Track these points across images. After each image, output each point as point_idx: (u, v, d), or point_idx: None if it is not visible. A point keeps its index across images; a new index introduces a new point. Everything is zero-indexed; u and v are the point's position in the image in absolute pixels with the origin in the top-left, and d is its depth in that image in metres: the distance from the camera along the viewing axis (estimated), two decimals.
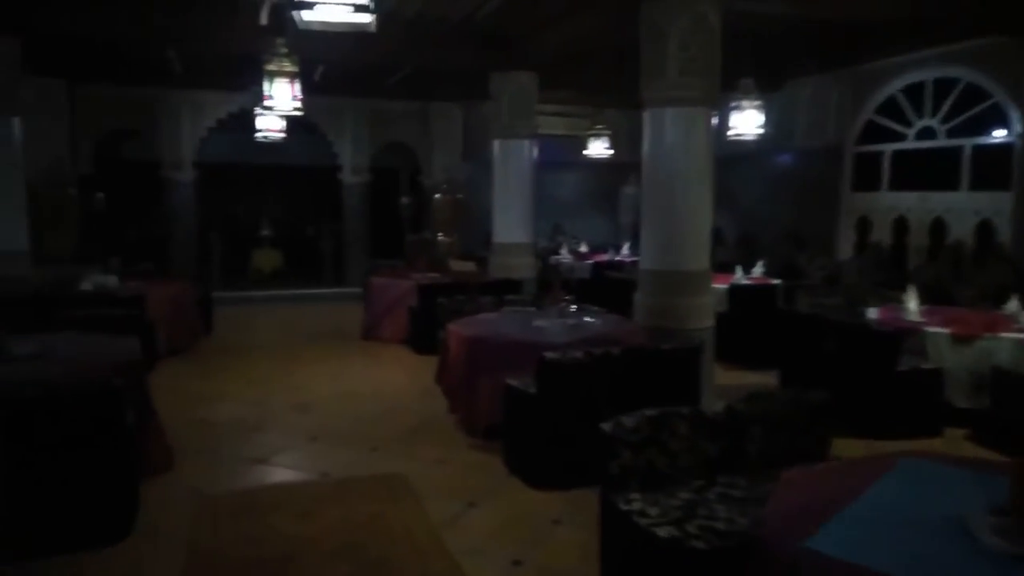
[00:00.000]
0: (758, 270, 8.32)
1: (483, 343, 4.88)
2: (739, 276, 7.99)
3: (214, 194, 12.31)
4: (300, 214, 13.71)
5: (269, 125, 9.48)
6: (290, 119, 9.50)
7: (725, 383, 5.74)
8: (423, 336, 7.36)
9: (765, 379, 6.02)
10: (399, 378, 6.70)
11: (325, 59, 8.86)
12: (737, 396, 3.18)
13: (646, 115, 5.40)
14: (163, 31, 7.73)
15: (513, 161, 8.73)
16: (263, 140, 9.75)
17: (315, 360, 7.38)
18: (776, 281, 8.00)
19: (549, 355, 4.03)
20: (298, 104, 6.09)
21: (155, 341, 6.97)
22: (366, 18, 3.53)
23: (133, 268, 8.74)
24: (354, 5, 3.42)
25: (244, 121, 10.43)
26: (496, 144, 8.78)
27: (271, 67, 5.93)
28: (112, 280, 7.32)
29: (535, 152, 8.91)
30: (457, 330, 5.17)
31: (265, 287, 11.97)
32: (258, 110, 9.13)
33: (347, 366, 7.17)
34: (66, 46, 9.45)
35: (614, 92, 11.34)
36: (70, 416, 3.19)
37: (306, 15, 3.44)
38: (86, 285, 7.08)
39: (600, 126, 12.18)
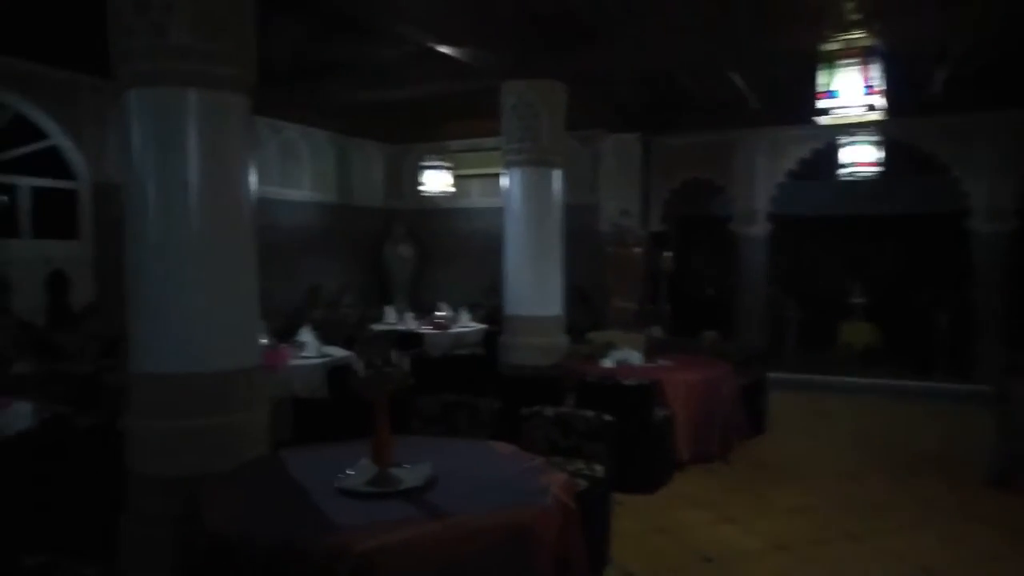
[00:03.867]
0: None
1: None
2: None
3: (791, 252, 10.29)
4: (906, 278, 10.51)
5: (857, 157, 7.01)
6: (899, 150, 6.90)
7: None
8: None
9: None
10: None
11: (937, 40, 5.93)
12: None
13: None
14: (715, 51, 6.23)
15: None
16: (849, 178, 7.30)
17: (894, 526, 4.46)
18: None
19: None
20: (877, 100, 3.63)
21: (671, 446, 5.34)
22: None
23: (678, 340, 7.41)
24: None
25: (831, 160, 8.16)
26: None
27: (831, 47, 3.65)
28: (635, 357, 6.02)
29: None
30: None
31: (852, 371, 9.25)
32: (841, 138, 6.82)
33: (952, 558, 4.08)
34: (639, 97, 8.93)
35: None
36: None
37: None
38: (607, 362, 5.94)
39: None
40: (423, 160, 9.14)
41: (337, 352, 6.76)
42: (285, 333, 7.07)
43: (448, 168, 9.11)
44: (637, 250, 9.47)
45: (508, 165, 6.43)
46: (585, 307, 9.31)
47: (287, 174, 9.90)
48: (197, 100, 3.02)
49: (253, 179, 3.26)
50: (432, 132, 10.16)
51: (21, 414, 4.37)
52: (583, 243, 9.13)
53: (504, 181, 6.51)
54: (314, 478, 2.87)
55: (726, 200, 9.84)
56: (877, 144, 7.00)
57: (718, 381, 5.89)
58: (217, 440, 3.03)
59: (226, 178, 3.12)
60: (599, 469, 3.63)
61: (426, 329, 8.46)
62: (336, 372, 5.85)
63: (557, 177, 6.41)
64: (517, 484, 2.88)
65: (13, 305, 6.52)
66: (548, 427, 3.87)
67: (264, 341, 6.38)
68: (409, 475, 2.85)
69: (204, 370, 3.01)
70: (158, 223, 3.00)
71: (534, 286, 6.42)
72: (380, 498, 2.69)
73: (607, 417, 3.77)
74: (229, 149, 3.14)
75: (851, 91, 3.61)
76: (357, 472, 2.87)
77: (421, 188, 9.15)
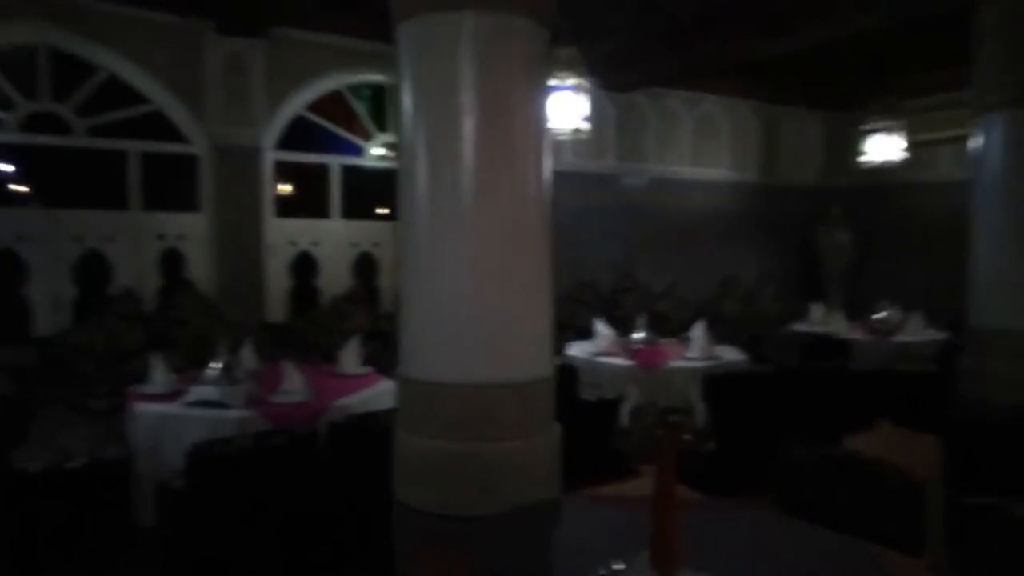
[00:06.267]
0: None
1: None
2: None
3: None
4: None
5: None
6: None
7: None
8: None
9: None
10: None
11: None
12: None
13: None
14: None
15: None
16: None
17: None
18: None
19: None
20: None
21: None
22: None
23: None
24: None
25: None
26: None
27: None
28: None
29: None
30: None
31: None
32: None
33: None
34: None
35: None
36: None
37: None
38: None
39: None
40: (865, 123, 7.21)
41: (729, 355, 5.64)
42: (684, 328, 6.22)
43: (900, 131, 7.02)
44: None
45: (981, 111, 4.42)
46: None
47: (702, 152, 8.97)
48: (473, 27, 2.32)
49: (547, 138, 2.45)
50: (881, 90, 8.05)
51: (388, 391, 4.42)
52: None
53: (975, 139, 4.51)
54: (572, 560, 1.95)
55: None
56: None
57: None
58: (477, 472, 2.33)
59: (506, 133, 2.38)
60: None
61: (857, 335, 6.67)
62: (715, 382, 4.73)
63: None
64: None
65: None
66: (1014, 539, 2.21)
67: (640, 335, 5.67)
68: None
69: (462, 380, 2.34)
70: (423, 192, 2.41)
71: (1020, 287, 4.32)
72: None
73: None
74: (514, 95, 2.39)
75: None
76: (629, 571, 1.85)
77: (862, 158, 7.24)
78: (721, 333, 6.12)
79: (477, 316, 2.34)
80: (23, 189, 6.19)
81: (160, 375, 4.09)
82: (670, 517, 1.72)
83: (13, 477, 3.36)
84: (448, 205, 2.37)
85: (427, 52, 2.39)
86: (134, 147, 6.05)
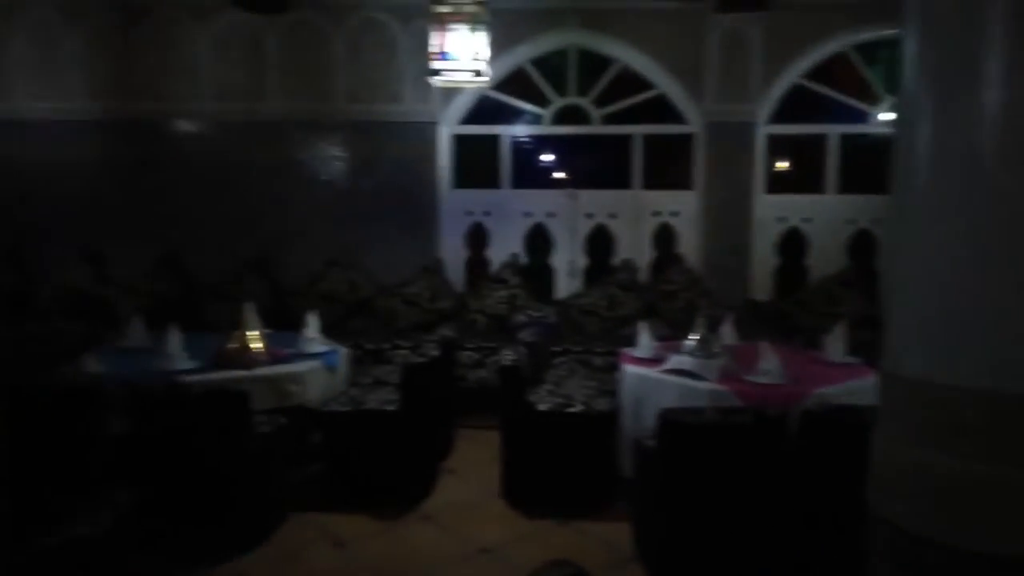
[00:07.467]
0: None
1: None
2: None
3: None
4: None
5: None
6: None
7: None
8: None
9: None
10: None
11: None
12: None
13: None
14: None
15: None
16: None
17: None
18: None
19: None
20: None
21: None
22: None
23: None
24: None
25: None
26: None
27: None
28: None
29: None
30: None
31: None
32: None
33: None
34: None
35: None
36: None
37: None
38: None
39: None
40: None
41: None
42: None
43: None
44: None
45: None
46: None
47: None
48: None
49: None
50: None
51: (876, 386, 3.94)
52: None
53: None
54: None
55: None
56: None
57: None
58: (976, 500, 1.90)
59: None
60: None
61: None
62: None
63: None
64: None
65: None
66: None
67: None
68: None
69: (954, 382, 1.91)
70: (923, 154, 2.02)
71: None
72: None
73: None
74: None
75: None
76: None
77: None
78: None
79: (979, 305, 1.88)
80: (555, 174, 7.35)
81: (646, 341, 4.42)
82: None
83: (528, 411, 4.05)
84: (955, 168, 1.94)
85: None
86: (638, 131, 6.63)
